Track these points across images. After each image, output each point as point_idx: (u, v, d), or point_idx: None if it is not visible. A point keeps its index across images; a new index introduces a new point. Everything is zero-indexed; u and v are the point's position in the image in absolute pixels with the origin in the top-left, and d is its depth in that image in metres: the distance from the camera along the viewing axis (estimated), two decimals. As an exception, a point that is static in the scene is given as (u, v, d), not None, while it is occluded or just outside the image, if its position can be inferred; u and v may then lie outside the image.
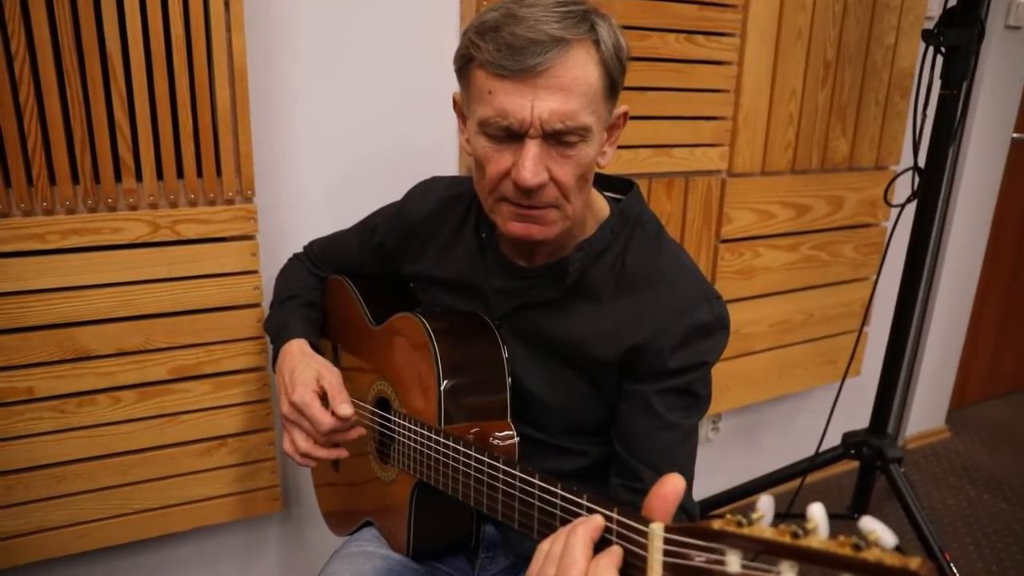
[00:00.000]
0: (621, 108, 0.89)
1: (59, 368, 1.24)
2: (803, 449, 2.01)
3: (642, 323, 0.87)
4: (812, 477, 1.97)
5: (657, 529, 0.56)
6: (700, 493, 2.03)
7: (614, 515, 0.60)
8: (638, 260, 0.91)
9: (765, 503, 0.51)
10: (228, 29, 1.18)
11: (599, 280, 0.91)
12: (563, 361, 0.92)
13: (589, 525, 0.60)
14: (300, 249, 1.29)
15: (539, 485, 0.71)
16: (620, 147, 1.48)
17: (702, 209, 1.69)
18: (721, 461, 2.13)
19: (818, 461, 1.89)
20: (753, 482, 2.00)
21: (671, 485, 0.58)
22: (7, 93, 1.10)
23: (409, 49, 1.37)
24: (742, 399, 1.98)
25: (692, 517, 0.86)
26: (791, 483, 1.92)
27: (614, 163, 1.48)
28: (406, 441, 0.92)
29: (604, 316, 0.90)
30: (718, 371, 0.96)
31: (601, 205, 0.96)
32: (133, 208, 1.21)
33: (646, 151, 1.56)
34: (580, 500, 0.65)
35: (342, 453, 0.98)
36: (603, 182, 1.00)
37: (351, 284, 1.15)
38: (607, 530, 0.61)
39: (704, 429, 2.07)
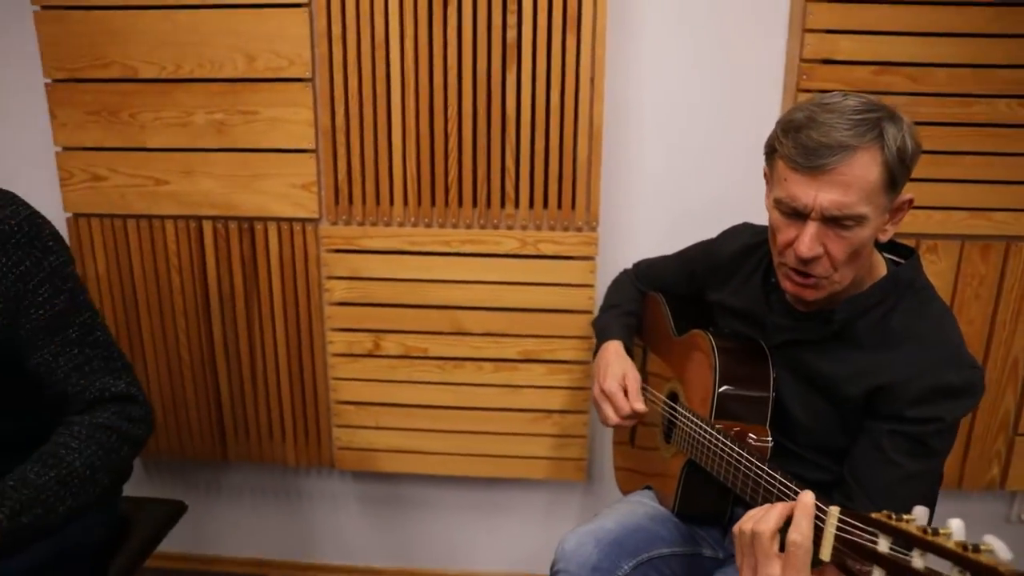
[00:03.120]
0: (905, 196, 1.07)
1: (445, 338, 1.77)
2: None
3: (892, 372, 1.07)
4: None
5: (835, 510, 0.82)
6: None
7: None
8: (903, 319, 1.11)
9: (955, 525, 0.71)
10: (591, 101, 1.60)
11: (863, 331, 1.13)
12: (818, 391, 1.15)
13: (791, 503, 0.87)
14: (630, 267, 1.66)
15: (778, 479, 0.98)
16: (933, 208, 1.63)
17: (1022, 275, 1.72)
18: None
19: None
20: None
21: None
22: (440, 144, 1.64)
23: (734, 123, 1.66)
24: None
25: None
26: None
27: (923, 223, 1.63)
28: (685, 428, 1.24)
29: (860, 361, 1.11)
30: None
31: (879, 266, 1.16)
32: (509, 228, 1.69)
33: (960, 213, 1.66)
34: (792, 486, 0.93)
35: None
36: (890, 246, 1.20)
37: (664, 301, 1.49)
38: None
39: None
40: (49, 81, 1.71)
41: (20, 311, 1.07)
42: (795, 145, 1.02)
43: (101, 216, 1.77)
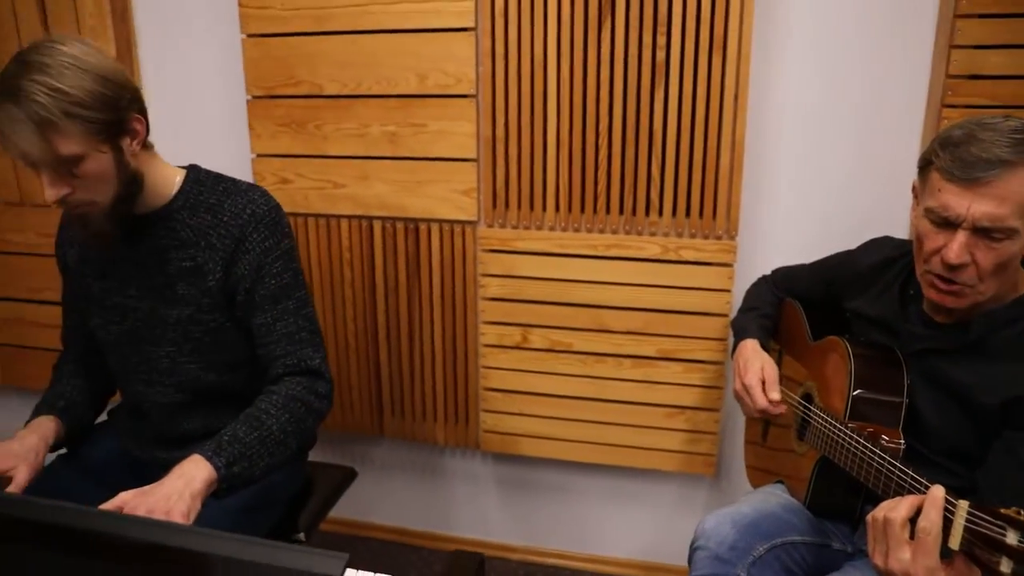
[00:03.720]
0: None
1: (589, 334, 1.92)
2: None
3: None
4: None
5: (964, 503, 0.91)
6: None
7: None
8: None
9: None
10: (734, 116, 1.71)
11: (1001, 343, 1.19)
12: (952, 399, 1.22)
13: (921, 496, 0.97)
14: (768, 273, 1.75)
15: (910, 475, 1.07)
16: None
17: None
18: None
19: None
20: None
21: None
22: (591, 155, 1.79)
23: (874, 139, 1.72)
24: None
25: None
26: None
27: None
28: (819, 426, 1.33)
29: (997, 372, 1.17)
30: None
31: (1022, 283, 1.23)
32: (653, 235, 1.82)
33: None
34: (923, 481, 1.02)
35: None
36: None
37: (800, 307, 1.58)
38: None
39: None
40: (250, 97, 1.98)
41: (259, 279, 1.33)
42: (952, 158, 1.10)
43: (287, 214, 2.02)
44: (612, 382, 1.94)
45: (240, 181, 1.41)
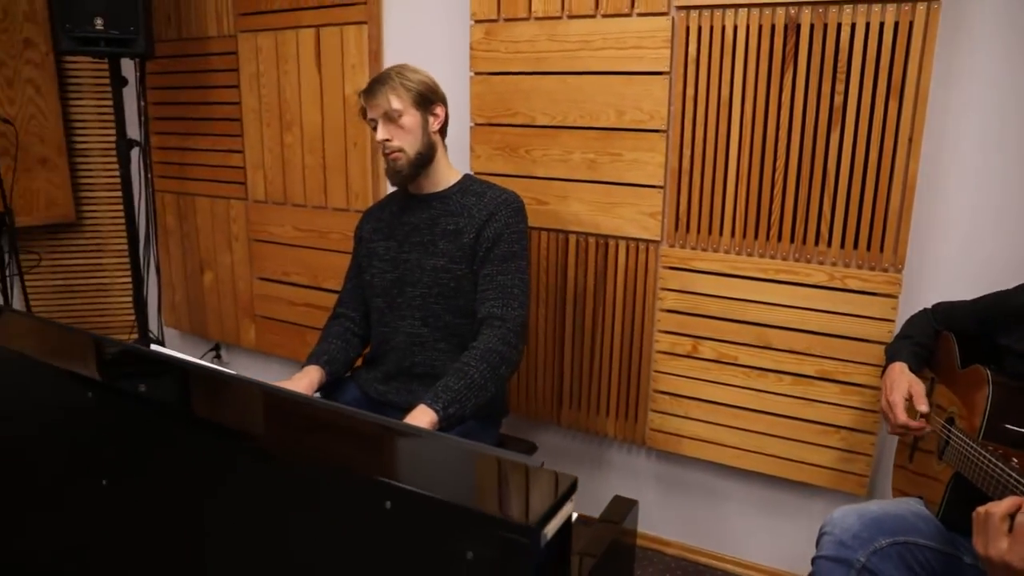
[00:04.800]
0: None
1: (753, 350, 2.12)
2: None
3: None
4: None
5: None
6: None
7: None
8: None
9: None
10: (907, 158, 1.85)
11: None
12: None
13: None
14: (930, 306, 1.87)
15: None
16: None
17: None
18: None
19: None
20: None
21: None
22: (767, 188, 2.00)
23: None
24: None
25: None
26: None
27: None
28: (956, 445, 1.47)
29: None
30: None
31: None
32: (820, 263, 1.99)
33: None
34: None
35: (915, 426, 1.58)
36: None
37: (954, 340, 1.70)
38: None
39: None
40: (472, 124, 2.37)
41: (497, 242, 1.82)
42: None
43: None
44: (772, 396, 2.13)
45: (500, 186, 1.95)
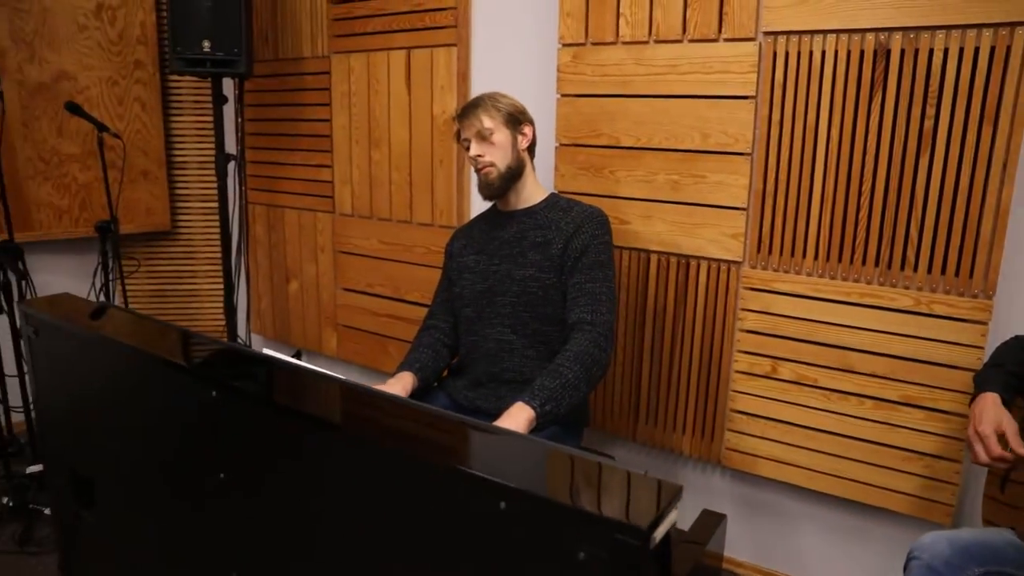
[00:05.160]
0: None
1: (834, 372, 2.12)
2: None
3: None
4: None
5: None
6: None
7: None
8: None
9: None
10: (1000, 184, 1.84)
11: None
12: None
13: None
14: (1022, 333, 1.85)
15: None
16: None
17: None
18: None
19: None
20: None
21: None
22: (852, 212, 2.01)
23: None
24: None
25: None
26: None
27: None
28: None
29: None
30: None
31: None
32: (906, 288, 1.99)
33: None
34: None
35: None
36: None
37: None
38: None
39: None
40: (557, 144, 2.44)
41: (584, 252, 1.92)
42: None
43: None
44: (853, 419, 2.12)
45: (585, 202, 2.06)
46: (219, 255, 3.72)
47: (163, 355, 1.43)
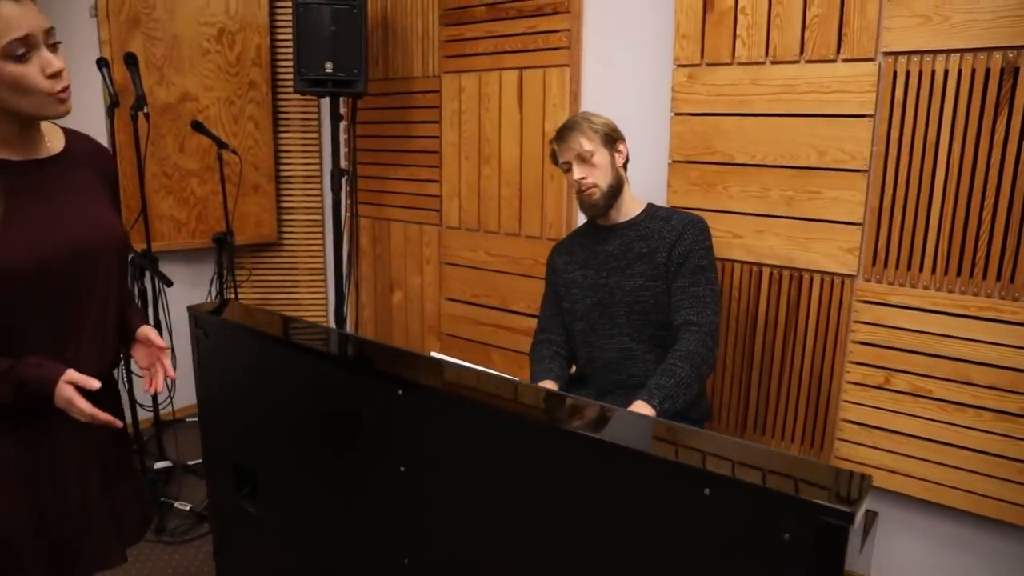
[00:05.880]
0: None
1: (950, 384, 2.17)
2: None
3: None
4: None
5: None
6: None
7: None
8: None
9: None
10: None
11: None
12: None
13: None
14: None
15: None
16: None
17: None
18: None
19: None
20: None
21: None
22: (972, 227, 2.07)
23: None
24: None
25: None
26: None
27: None
28: None
29: None
30: None
31: None
32: (1028, 302, 2.05)
33: None
34: None
35: None
36: None
37: None
38: None
39: None
40: (671, 161, 2.55)
41: (688, 257, 2.02)
42: None
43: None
44: (970, 431, 2.16)
45: (682, 210, 2.19)
46: (321, 266, 3.92)
47: (348, 360, 1.58)
